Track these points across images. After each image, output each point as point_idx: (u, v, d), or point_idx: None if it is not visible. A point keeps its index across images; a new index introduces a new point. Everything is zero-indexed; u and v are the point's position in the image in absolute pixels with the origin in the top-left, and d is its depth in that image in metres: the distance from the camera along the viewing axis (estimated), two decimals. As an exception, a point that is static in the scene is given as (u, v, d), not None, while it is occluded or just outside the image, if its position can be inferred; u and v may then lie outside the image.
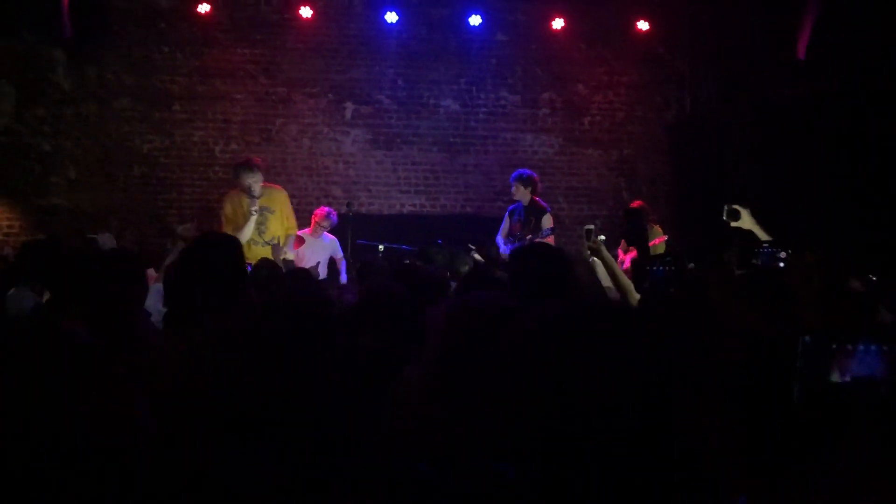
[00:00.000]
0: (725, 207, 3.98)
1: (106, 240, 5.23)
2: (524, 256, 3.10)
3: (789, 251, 2.41)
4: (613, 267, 3.62)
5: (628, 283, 3.45)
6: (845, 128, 6.54)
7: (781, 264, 2.43)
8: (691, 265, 2.24)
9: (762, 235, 3.76)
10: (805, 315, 2.20)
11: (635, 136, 9.53)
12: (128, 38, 8.86)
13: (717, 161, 8.28)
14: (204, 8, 8.78)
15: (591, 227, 3.96)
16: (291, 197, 9.01)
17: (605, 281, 3.86)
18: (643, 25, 9.21)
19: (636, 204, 7.61)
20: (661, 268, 2.07)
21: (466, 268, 5.18)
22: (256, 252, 6.03)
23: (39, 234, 8.44)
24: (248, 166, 6.28)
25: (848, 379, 1.59)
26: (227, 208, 6.35)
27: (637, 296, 3.36)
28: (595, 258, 3.88)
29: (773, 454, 1.66)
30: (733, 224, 3.93)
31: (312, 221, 7.39)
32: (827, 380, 1.60)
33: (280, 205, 6.48)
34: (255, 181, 6.22)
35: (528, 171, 7.39)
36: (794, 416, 1.62)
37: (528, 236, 7.03)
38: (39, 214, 8.73)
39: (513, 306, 1.94)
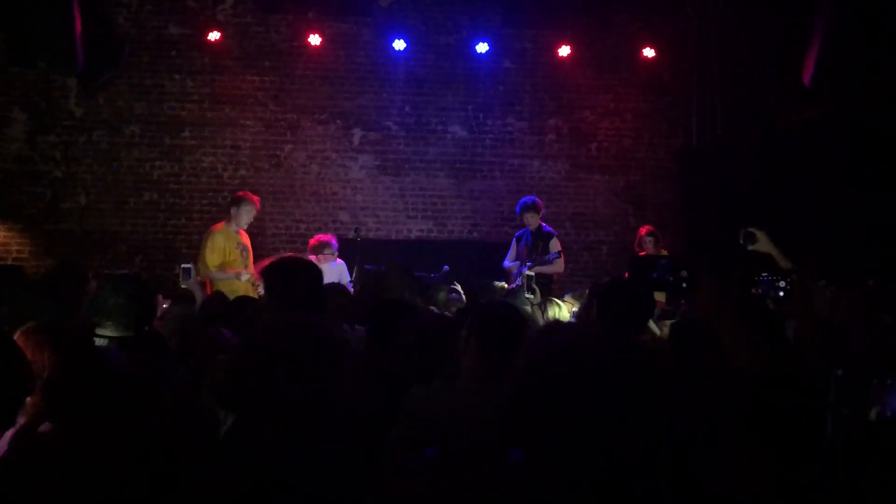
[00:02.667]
0: (742, 231, 3.86)
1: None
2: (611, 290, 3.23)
3: (789, 279, 2.39)
4: None
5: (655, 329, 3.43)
6: (852, 153, 6.54)
7: (781, 293, 2.40)
8: (684, 272, 2.23)
9: (780, 259, 3.66)
10: (806, 350, 2.17)
11: (642, 162, 9.56)
12: (139, 66, 8.98)
13: (724, 187, 8.29)
14: (214, 36, 8.90)
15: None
16: (300, 222, 9.14)
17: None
18: (649, 53, 9.28)
19: (645, 230, 7.63)
20: (664, 261, 2.08)
21: (443, 294, 5.20)
22: (239, 286, 6.51)
23: (50, 259, 8.50)
24: (254, 203, 6.90)
25: (888, 414, 1.55)
26: (220, 240, 6.71)
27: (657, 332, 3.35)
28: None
29: (806, 489, 1.62)
30: (750, 248, 3.81)
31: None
32: (863, 415, 1.56)
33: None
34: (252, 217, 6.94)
35: (532, 198, 7.48)
36: (829, 452, 1.58)
37: (534, 259, 7.09)
38: (50, 240, 8.79)
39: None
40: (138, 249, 8.95)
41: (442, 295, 5.16)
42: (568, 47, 9.22)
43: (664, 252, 7.31)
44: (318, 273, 3.19)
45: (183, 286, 5.41)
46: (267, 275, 3.12)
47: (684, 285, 2.03)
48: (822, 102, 7.06)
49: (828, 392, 1.59)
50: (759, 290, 2.58)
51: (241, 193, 7.11)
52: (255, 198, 6.99)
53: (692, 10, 9.08)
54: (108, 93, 8.95)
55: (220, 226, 6.92)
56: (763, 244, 3.69)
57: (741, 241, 3.87)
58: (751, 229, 3.62)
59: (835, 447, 1.57)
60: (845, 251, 6.12)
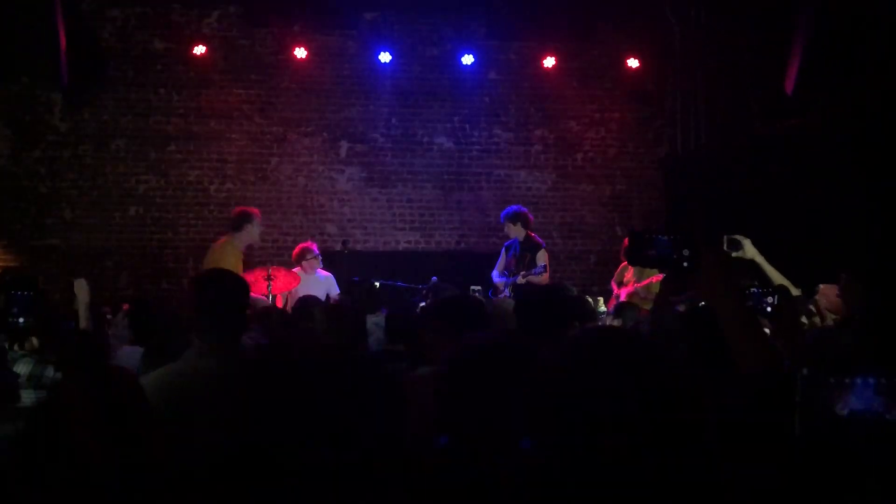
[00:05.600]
0: (725, 238, 3.83)
1: None
2: (530, 295, 3.16)
3: (776, 296, 2.39)
4: None
5: None
6: (834, 160, 6.62)
7: (769, 308, 2.40)
8: (686, 251, 2.20)
9: (767, 267, 3.63)
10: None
11: (627, 171, 9.62)
12: (124, 80, 8.95)
13: (708, 195, 8.36)
14: (199, 49, 8.88)
15: None
16: (287, 235, 9.12)
17: None
18: (633, 63, 9.35)
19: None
20: (664, 237, 2.04)
21: None
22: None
23: (35, 275, 8.44)
24: (258, 217, 6.58)
25: (846, 412, 1.58)
26: (232, 260, 6.28)
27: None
28: None
29: (777, 491, 1.65)
30: (734, 255, 3.79)
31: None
32: (828, 413, 1.58)
33: None
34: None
35: (515, 208, 7.44)
36: (797, 452, 1.60)
37: (522, 272, 7.07)
38: (35, 255, 8.72)
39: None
40: (124, 264, 8.90)
41: None
42: (552, 58, 9.28)
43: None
44: (247, 287, 2.95)
45: None
46: (197, 289, 2.81)
47: (685, 265, 1.98)
48: (803, 111, 7.15)
49: (794, 391, 1.62)
50: (749, 303, 2.57)
51: (251, 210, 6.75)
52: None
53: (675, 20, 9.18)
54: (92, 107, 8.91)
55: (224, 241, 6.53)
56: (749, 251, 3.66)
57: (725, 249, 3.86)
58: (735, 237, 3.60)
59: (802, 447, 1.60)
60: (828, 257, 6.17)
